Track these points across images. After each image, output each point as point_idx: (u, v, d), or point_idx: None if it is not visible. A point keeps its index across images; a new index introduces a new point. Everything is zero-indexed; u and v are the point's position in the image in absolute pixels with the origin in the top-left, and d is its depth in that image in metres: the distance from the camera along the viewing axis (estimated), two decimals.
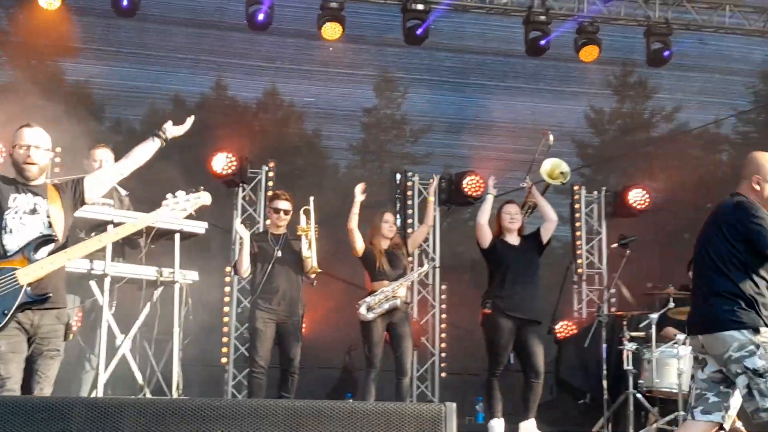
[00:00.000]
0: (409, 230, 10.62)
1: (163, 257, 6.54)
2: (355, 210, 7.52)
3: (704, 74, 12.72)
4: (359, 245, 7.57)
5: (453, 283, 11.24)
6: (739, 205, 4.73)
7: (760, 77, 13.04)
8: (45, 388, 4.63)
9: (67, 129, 7.06)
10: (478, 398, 9.88)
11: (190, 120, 5.34)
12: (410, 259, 8.14)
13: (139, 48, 11.46)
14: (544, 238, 7.59)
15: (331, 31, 11.01)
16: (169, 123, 5.24)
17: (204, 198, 5.06)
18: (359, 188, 7.60)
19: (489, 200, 7.65)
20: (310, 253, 7.38)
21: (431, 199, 8.12)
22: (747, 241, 4.64)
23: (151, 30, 11.31)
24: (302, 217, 7.50)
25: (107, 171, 5.37)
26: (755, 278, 4.63)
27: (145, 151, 5.07)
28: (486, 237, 7.51)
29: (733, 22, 12.36)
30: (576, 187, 11.48)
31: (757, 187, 4.76)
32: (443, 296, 11.09)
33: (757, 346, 4.51)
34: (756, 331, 4.53)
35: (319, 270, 7.43)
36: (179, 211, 5.00)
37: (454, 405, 3.69)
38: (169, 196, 4.97)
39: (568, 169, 7.93)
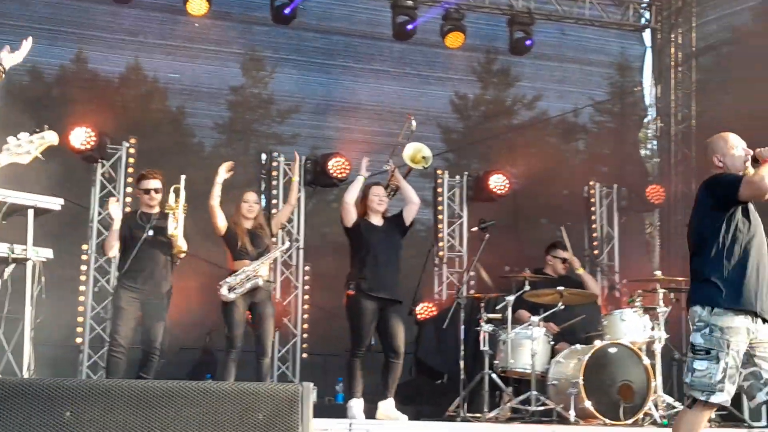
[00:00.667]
0: (273, 210, 10.59)
1: (16, 233, 6.31)
2: (217, 186, 7.47)
3: (564, 64, 13.07)
4: (221, 222, 7.52)
5: (316, 265, 11.25)
6: (706, 180, 4.99)
7: (616, 68, 13.48)
8: None
9: None
10: (339, 379, 9.95)
11: (27, 43, 5.08)
12: (274, 239, 8.11)
13: None
14: (407, 221, 7.72)
15: (198, 6, 10.83)
16: (6, 49, 4.96)
17: (49, 137, 4.53)
18: (225, 166, 7.55)
19: (360, 181, 7.73)
20: (177, 232, 7.29)
21: (295, 178, 8.16)
22: (719, 201, 4.85)
23: None
24: (171, 195, 7.39)
25: None
26: (723, 259, 4.80)
27: None
28: (351, 216, 7.58)
29: (592, 14, 12.79)
30: (439, 172, 11.67)
31: (720, 164, 4.98)
32: (306, 277, 11.10)
33: (706, 325, 4.71)
34: (712, 310, 4.73)
35: (184, 251, 7.35)
36: (23, 154, 4.45)
37: (311, 385, 3.73)
38: (10, 139, 4.45)
39: (430, 154, 8.06)
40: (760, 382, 4.78)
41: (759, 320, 4.75)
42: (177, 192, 7.39)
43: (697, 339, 4.73)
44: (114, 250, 7.46)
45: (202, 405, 3.56)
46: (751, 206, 4.91)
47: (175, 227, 7.30)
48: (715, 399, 4.65)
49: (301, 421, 3.61)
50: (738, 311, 4.71)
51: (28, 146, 4.46)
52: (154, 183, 7.47)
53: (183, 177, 7.42)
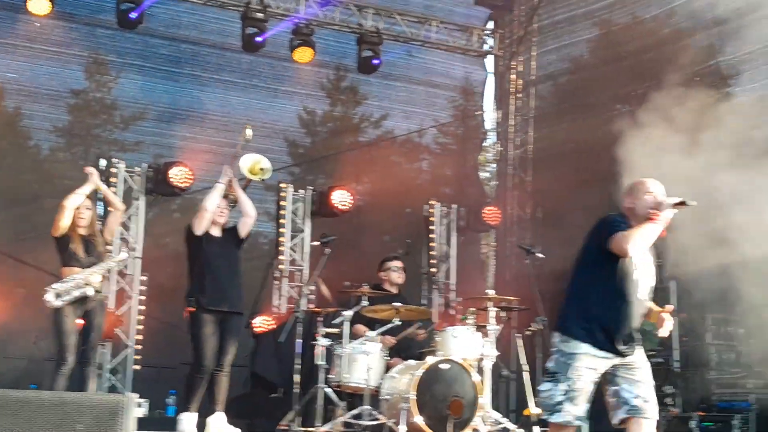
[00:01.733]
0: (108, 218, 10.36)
1: None
2: (83, 191, 7.28)
3: (410, 85, 13.35)
4: (64, 223, 7.28)
5: (155, 275, 11.03)
6: (600, 219, 5.09)
7: (460, 92, 13.86)
8: None
9: None
10: (171, 391, 9.78)
11: None
12: (109, 247, 7.92)
13: None
14: (242, 233, 7.69)
15: (40, 5, 10.50)
16: None
17: None
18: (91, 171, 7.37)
19: (220, 188, 7.62)
20: None
21: (102, 187, 8.00)
22: (595, 239, 5.01)
23: None
24: None
25: None
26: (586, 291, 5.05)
27: None
28: (205, 224, 7.50)
29: (438, 38, 13.12)
30: (283, 185, 11.67)
31: (630, 206, 5.10)
32: (143, 287, 10.87)
33: (557, 350, 4.97)
34: (562, 336, 5.01)
35: None
36: None
37: (135, 396, 3.67)
38: None
39: (269, 166, 8.03)
40: (620, 401, 4.97)
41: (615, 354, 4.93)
42: None
43: (549, 363, 5.02)
44: None
45: (18, 414, 3.46)
46: None
47: None
48: (554, 419, 4.90)
49: None
50: (579, 339, 4.94)
51: None
52: None
53: None
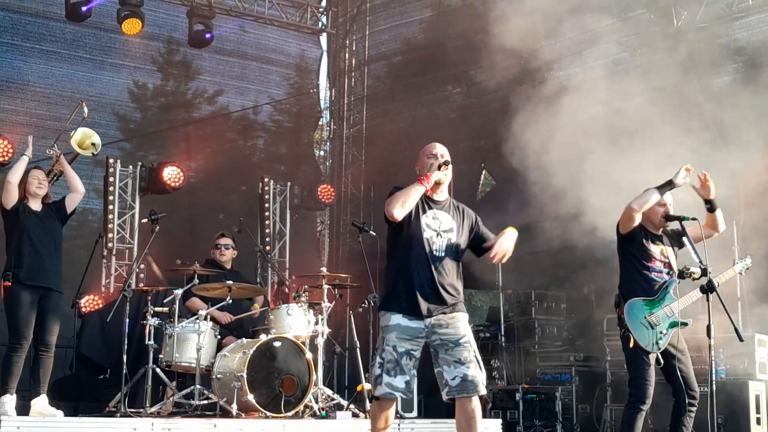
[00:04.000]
0: None
1: None
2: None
3: (244, 61, 13.19)
4: None
5: None
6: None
7: (294, 69, 13.79)
8: None
9: None
10: None
11: None
12: None
13: None
14: (68, 208, 7.43)
15: None
16: None
17: None
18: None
19: (24, 161, 7.32)
20: None
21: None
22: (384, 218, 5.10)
23: None
24: None
25: None
26: (388, 265, 5.21)
27: None
28: (12, 197, 7.20)
29: (271, 14, 13.02)
30: (111, 161, 11.30)
31: (418, 170, 5.24)
32: None
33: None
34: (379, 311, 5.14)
35: None
36: None
37: None
38: None
39: (99, 141, 7.79)
40: (442, 383, 5.00)
41: (431, 319, 5.00)
42: None
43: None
44: None
45: None
46: (414, 219, 5.12)
47: None
48: (376, 392, 5.01)
49: None
50: (389, 310, 5.05)
51: None
52: None
53: None
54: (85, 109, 7.62)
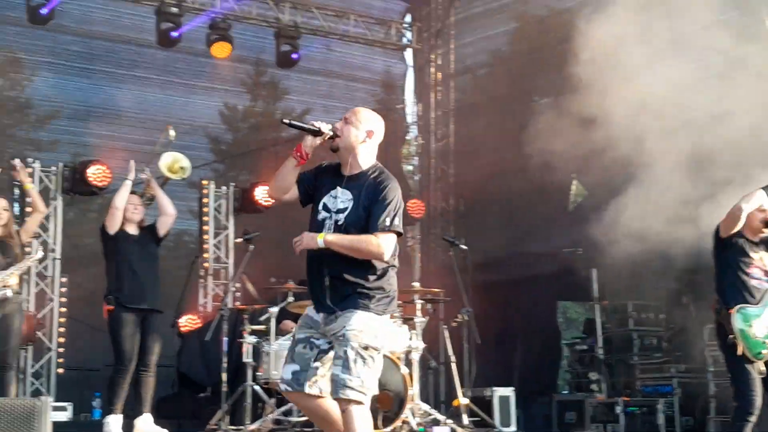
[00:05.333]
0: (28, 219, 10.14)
1: None
2: None
3: (330, 79, 13.30)
4: None
5: (74, 276, 10.83)
6: None
7: (380, 86, 13.87)
8: None
9: None
10: (96, 394, 9.60)
11: None
12: (27, 249, 7.70)
13: None
14: (160, 231, 7.61)
15: None
16: None
17: None
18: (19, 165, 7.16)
19: (127, 185, 7.51)
20: None
21: (29, 186, 7.83)
22: None
23: None
24: None
25: None
26: None
27: None
28: (117, 222, 7.41)
29: (356, 32, 13.11)
30: (205, 182, 11.55)
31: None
32: (63, 289, 10.66)
33: None
34: None
35: None
36: None
37: (50, 399, 3.59)
38: None
39: (188, 164, 7.97)
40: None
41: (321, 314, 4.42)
42: None
43: None
44: None
45: None
46: (317, 199, 4.56)
47: None
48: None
49: None
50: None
51: None
52: None
53: None
54: (172, 133, 7.79)
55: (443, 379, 10.19)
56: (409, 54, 14.07)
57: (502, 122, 12.33)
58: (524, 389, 9.90)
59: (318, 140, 4.50)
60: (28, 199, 10.26)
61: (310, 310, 4.51)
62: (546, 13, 11.86)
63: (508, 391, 9.05)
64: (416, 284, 8.57)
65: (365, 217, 4.43)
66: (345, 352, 4.27)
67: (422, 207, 12.77)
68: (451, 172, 13.49)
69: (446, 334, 8.87)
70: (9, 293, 7.05)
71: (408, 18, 13.92)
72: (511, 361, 11.39)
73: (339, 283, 4.40)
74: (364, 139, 4.57)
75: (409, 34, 13.85)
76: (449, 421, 8.00)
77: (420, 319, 8.22)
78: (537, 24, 11.98)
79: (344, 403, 4.25)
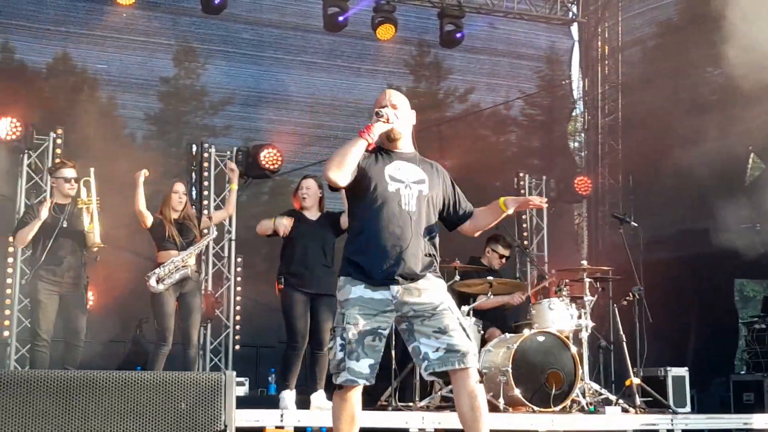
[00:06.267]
0: (205, 202, 10.63)
1: None
2: (139, 192, 7.36)
3: (494, 57, 13.19)
4: (149, 221, 7.48)
5: (249, 256, 11.23)
6: None
7: (545, 62, 13.64)
8: None
9: None
10: (272, 370, 9.94)
11: None
12: (205, 231, 8.04)
13: None
14: (343, 224, 7.54)
15: None
16: None
17: None
18: (141, 174, 7.40)
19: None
20: (92, 227, 7.23)
21: (234, 186, 8.14)
22: None
23: None
24: (83, 189, 7.35)
25: None
26: (351, 236, 4.56)
27: None
28: (266, 227, 7.58)
29: (520, 8, 12.95)
30: None
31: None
32: (238, 269, 11.07)
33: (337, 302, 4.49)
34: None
35: (102, 245, 7.31)
36: None
37: (234, 373, 3.74)
38: None
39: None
40: (419, 359, 4.32)
41: (397, 288, 4.30)
42: (87, 185, 7.37)
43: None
44: (27, 242, 7.40)
45: (124, 395, 3.55)
46: (376, 174, 4.43)
47: (90, 222, 7.27)
48: (338, 380, 4.28)
49: (224, 410, 3.63)
50: (354, 280, 4.35)
51: None
52: (71, 172, 7.45)
53: (92, 170, 7.44)
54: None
55: (613, 359, 10.00)
56: (574, 28, 13.79)
57: (674, 95, 11.92)
58: (699, 369, 9.59)
59: (387, 127, 4.52)
60: (205, 183, 10.83)
61: (363, 292, 4.31)
62: None
63: (683, 371, 8.79)
64: (584, 262, 8.45)
65: (443, 195, 4.61)
66: (459, 322, 4.32)
67: (589, 184, 12.53)
68: (619, 148, 13.17)
69: (616, 312, 8.70)
70: (189, 272, 7.41)
71: None
72: (685, 341, 11.06)
73: (425, 253, 4.41)
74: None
75: (575, 8, 13.57)
76: (621, 401, 7.85)
77: (589, 298, 8.11)
78: None
79: (473, 374, 4.27)
